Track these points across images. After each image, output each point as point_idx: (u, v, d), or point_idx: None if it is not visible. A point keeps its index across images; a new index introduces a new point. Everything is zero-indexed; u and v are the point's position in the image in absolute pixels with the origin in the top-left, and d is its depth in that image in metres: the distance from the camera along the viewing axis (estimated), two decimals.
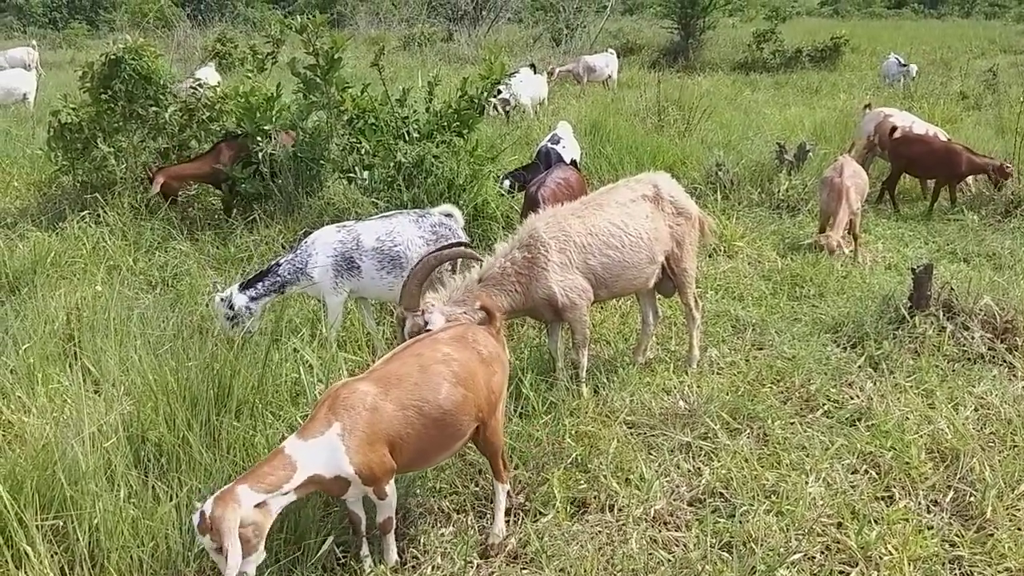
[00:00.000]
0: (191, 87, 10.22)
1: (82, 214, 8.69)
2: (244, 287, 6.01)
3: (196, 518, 3.31)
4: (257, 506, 3.38)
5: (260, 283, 6.02)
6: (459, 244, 5.54)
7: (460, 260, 5.98)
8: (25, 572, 3.76)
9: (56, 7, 53.09)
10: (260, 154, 8.69)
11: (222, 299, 5.96)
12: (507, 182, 8.85)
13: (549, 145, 9.50)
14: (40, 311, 6.20)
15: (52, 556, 3.86)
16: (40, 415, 4.77)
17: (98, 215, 8.69)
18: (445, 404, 3.85)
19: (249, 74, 10.48)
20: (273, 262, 6.17)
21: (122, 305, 6.34)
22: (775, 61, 24.09)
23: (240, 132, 9.09)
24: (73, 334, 5.86)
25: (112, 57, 9.38)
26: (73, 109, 9.54)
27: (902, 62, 19.04)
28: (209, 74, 15.44)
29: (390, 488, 3.84)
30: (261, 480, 3.43)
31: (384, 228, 6.16)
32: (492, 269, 5.22)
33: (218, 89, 10.50)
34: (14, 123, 14.67)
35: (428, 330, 4.64)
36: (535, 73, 16.48)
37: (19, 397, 5.01)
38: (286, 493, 3.49)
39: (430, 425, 3.83)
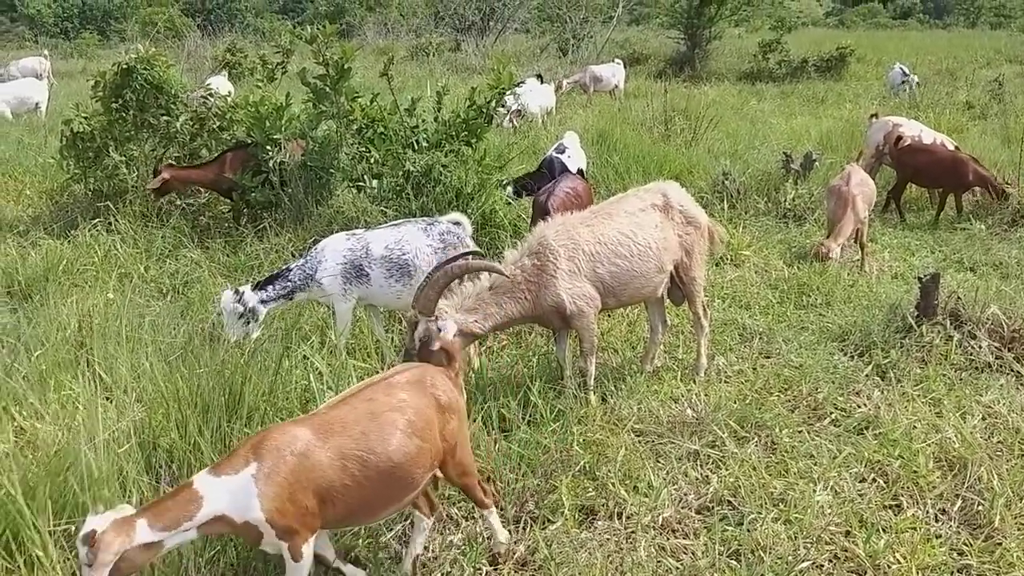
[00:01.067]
0: (202, 96, 10.29)
1: (94, 222, 8.75)
2: (256, 288, 6.05)
3: (86, 529, 3.11)
4: (146, 544, 3.18)
5: (271, 286, 6.05)
6: (476, 254, 5.55)
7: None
8: None
9: (67, 17, 53.47)
10: (270, 163, 8.74)
11: (235, 292, 5.97)
12: (509, 188, 8.88)
13: (554, 155, 9.54)
14: (52, 318, 6.24)
15: (64, 561, 3.89)
16: (53, 421, 4.81)
17: (109, 223, 8.75)
18: (395, 456, 3.57)
19: (259, 84, 10.55)
20: (284, 267, 6.21)
21: (133, 312, 6.37)
22: (781, 71, 24.13)
23: (247, 142, 9.15)
24: (85, 341, 5.90)
25: (124, 67, 9.46)
26: (85, 118, 9.62)
27: (906, 72, 19.06)
28: (221, 83, 15.54)
29: (307, 549, 3.49)
30: (161, 517, 3.21)
31: (393, 236, 6.20)
32: (501, 277, 5.26)
33: (229, 98, 10.57)
34: (27, 132, 14.77)
35: (441, 337, 4.68)
36: (542, 83, 16.54)
37: (32, 403, 5.04)
38: (187, 530, 3.27)
39: (376, 478, 3.54)
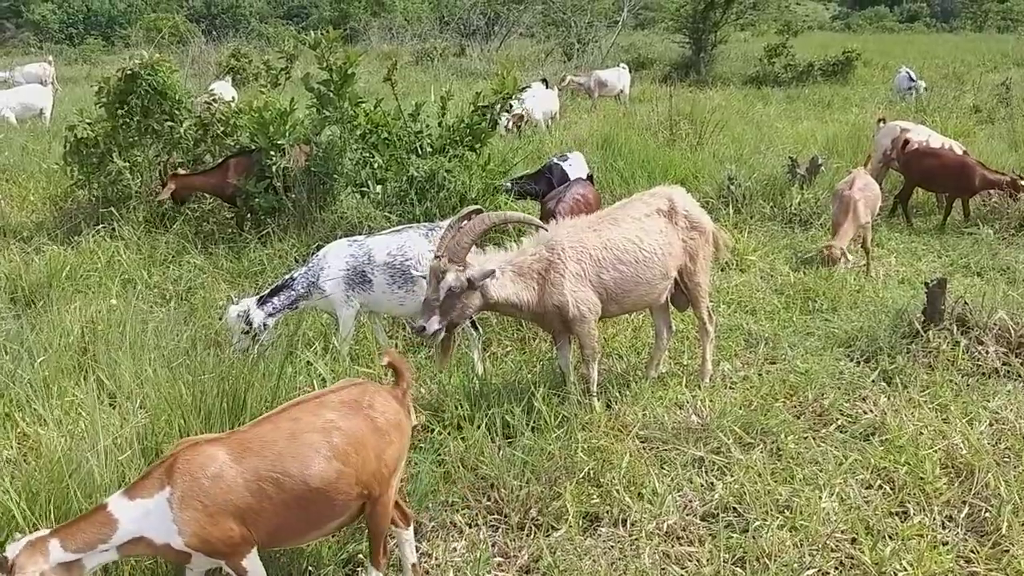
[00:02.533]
0: (206, 102, 10.30)
1: (97, 228, 8.78)
2: (261, 302, 6.03)
3: (3, 556, 3.10)
4: (64, 564, 3.14)
5: (276, 298, 6.04)
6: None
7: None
8: None
9: (72, 23, 53.66)
10: (274, 168, 8.75)
11: (239, 314, 5.95)
12: (509, 185, 8.86)
13: (556, 160, 9.53)
14: (55, 324, 6.24)
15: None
16: (55, 427, 4.80)
17: (113, 229, 8.77)
18: (312, 481, 3.39)
19: (263, 89, 10.56)
20: (287, 276, 6.19)
21: (137, 318, 6.37)
22: (787, 75, 24.09)
23: (251, 148, 9.16)
24: (88, 347, 5.91)
25: (128, 72, 9.48)
26: (89, 124, 9.63)
27: (912, 77, 19.02)
28: (224, 88, 15.56)
29: (250, 563, 3.39)
30: (74, 536, 3.17)
31: (395, 243, 6.18)
32: (519, 257, 5.24)
33: (232, 104, 10.58)
34: (31, 138, 14.80)
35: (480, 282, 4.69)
36: (547, 88, 16.54)
37: (35, 410, 5.05)
38: (105, 551, 3.22)
39: (292, 502, 3.39)
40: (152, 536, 3.24)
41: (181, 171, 9.17)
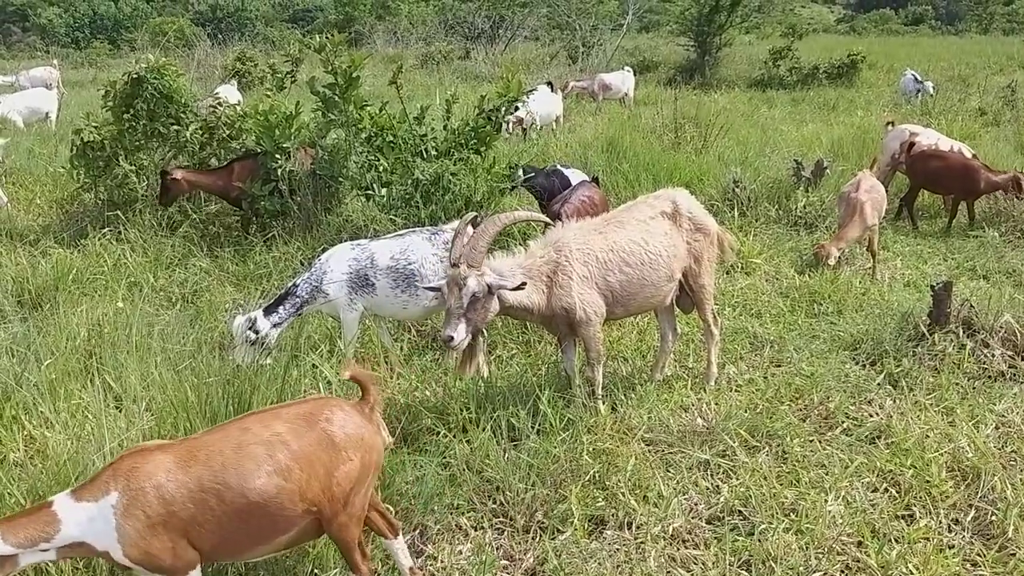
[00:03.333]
0: (211, 105, 10.33)
1: (104, 231, 8.80)
2: (267, 312, 6.02)
3: None
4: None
5: (281, 307, 6.03)
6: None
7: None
8: None
9: (78, 27, 53.88)
10: (279, 171, 8.76)
11: (248, 320, 5.94)
12: (520, 174, 8.84)
13: (559, 166, 9.53)
14: (62, 327, 6.26)
15: (74, 572, 3.89)
16: (62, 430, 4.82)
17: (119, 232, 8.79)
18: (252, 495, 3.28)
19: (269, 92, 10.57)
20: (291, 284, 6.18)
21: (143, 321, 6.38)
22: (792, 78, 24.07)
23: (256, 151, 9.17)
24: (94, 350, 5.93)
25: (134, 76, 9.50)
26: (95, 127, 9.66)
27: (918, 78, 18.98)
28: (229, 92, 15.60)
29: None
30: (15, 532, 3.09)
31: (398, 247, 6.19)
32: (528, 260, 5.24)
33: (238, 107, 10.60)
34: (37, 142, 14.84)
35: (501, 286, 4.70)
36: (552, 91, 16.54)
37: (42, 412, 5.07)
38: (45, 551, 3.14)
39: (234, 516, 3.28)
40: (93, 542, 3.17)
41: (178, 172, 9.11)
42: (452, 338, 4.86)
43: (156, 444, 3.39)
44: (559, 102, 16.59)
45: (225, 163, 9.45)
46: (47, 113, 17.29)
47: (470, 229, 5.12)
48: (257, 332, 5.91)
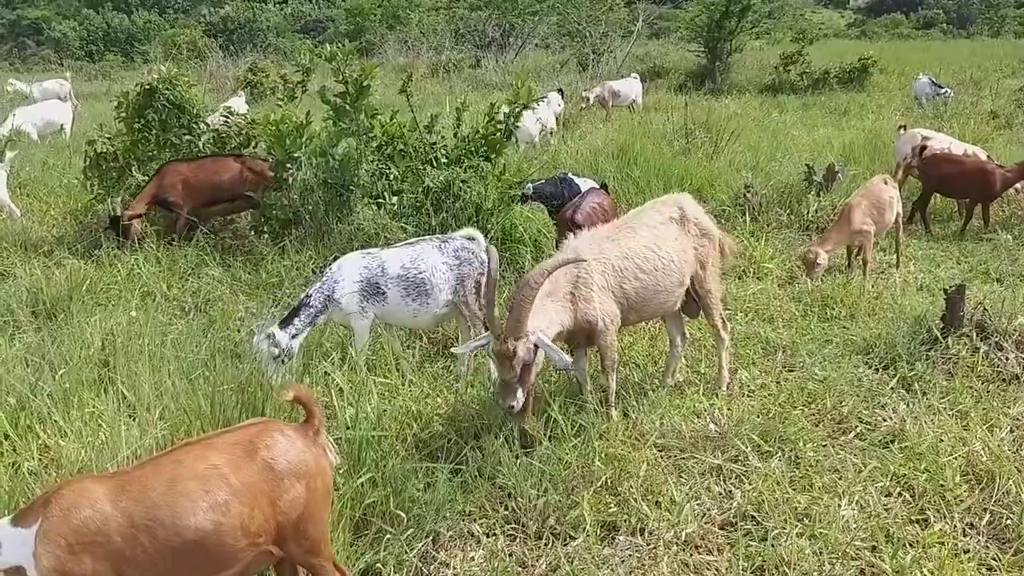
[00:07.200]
0: (221, 116, 10.39)
1: (117, 241, 8.83)
2: (283, 325, 6.01)
3: None
4: None
5: (297, 318, 6.01)
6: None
7: (479, 285, 6.04)
8: None
9: (92, 40, 54.32)
10: (289, 180, 8.80)
11: (268, 336, 5.92)
12: (530, 188, 8.86)
13: (569, 174, 9.55)
14: (76, 337, 6.30)
15: None
16: (76, 439, 4.83)
17: (133, 242, 8.82)
18: (187, 533, 3.10)
19: (280, 102, 10.64)
20: (304, 295, 6.18)
21: (156, 331, 6.42)
22: (803, 83, 24.02)
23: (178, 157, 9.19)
24: (108, 359, 5.94)
25: (147, 87, 9.59)
26: (108, 139, 9.75)
27: (935, 82, 18.88)
28: (238, 104, 15.68)
29: None
30: None
31: (408, 256, 6.20)
32: (550, 284, 5.15)
33: (246, 117, 10.67)
34: (51, 153, 14.96)
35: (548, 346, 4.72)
36: (563, 98, 16.46)
37: (56, 421, 5.08)
38: None
39: (169, 553, 3.10)
40: (27, 567, 3.05)
41: (127, 212, 9.03)
42: (512, 407, 4.88)
43: (93, 476, 3.31)
44: (551, 113, 16.13)
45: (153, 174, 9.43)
46: (62, 125, 17.40)
47: (494, 252, 5.17)
48: (278, 347, 5.91)
